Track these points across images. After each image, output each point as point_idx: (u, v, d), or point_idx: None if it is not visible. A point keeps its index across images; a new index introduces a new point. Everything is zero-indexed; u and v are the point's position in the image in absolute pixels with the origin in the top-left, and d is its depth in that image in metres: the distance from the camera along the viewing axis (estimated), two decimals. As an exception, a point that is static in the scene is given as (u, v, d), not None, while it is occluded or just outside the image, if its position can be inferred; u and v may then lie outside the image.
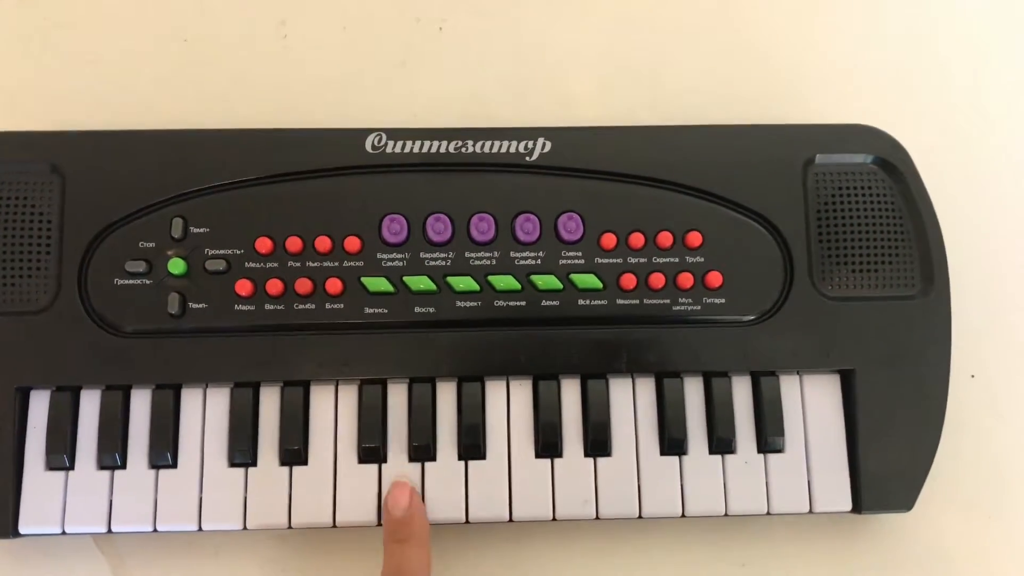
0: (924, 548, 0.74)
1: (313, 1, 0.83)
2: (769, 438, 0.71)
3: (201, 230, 0.71)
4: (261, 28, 0.82)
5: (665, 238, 0.72)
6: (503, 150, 0.73)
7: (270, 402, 0.71)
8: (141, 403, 0.70)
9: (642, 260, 0.72)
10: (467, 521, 0.69)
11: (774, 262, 0.73)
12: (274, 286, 0.70)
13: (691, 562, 0.73)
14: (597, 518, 0.70)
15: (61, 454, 0.69)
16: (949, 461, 0.74)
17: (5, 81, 0.81)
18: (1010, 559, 0.75)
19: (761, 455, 0.71)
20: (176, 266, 0.70)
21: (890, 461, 0.71)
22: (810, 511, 0.70)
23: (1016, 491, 0.76)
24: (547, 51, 0.83)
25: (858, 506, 0.70)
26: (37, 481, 0.69)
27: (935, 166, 0.76)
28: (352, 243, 0.71)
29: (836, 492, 0.71)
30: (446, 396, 0.71)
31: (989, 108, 0.84)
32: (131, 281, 0.70)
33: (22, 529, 0.68)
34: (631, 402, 0.72)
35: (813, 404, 0.72)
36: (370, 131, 0.72)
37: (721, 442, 0.71)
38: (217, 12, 0.82)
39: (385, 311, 0.71)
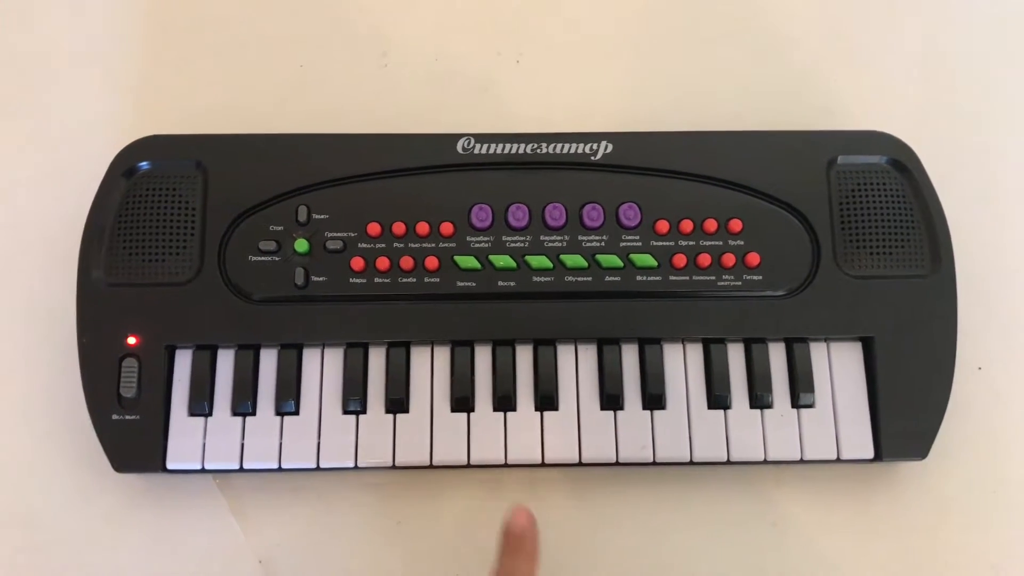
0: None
1: (411, 36, 0.91)
2: (801, 395, 0.77)
3: (322, 216, 0.79)
4: (366, 57, 0.90)
5: (711, 224, 0.79)
6: (572, 151, 0.80)
7: (377, 360, 0.78)
8: (269, 360, 0.78)
9: (691, 243, 0.79)
10: (543, 463, 0.76)
11: (803, 245, 0.79)
12: (382, 263, 0.78)
13: (729, 514, 0.79)
14: (654, 462, 0.76)
15: (202, 402, 0.76)
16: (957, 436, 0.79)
17: (161, 96, 0.89)
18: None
19: (794, 410, 0.77)
20: (301, 246, 0.78)
21: (906, 415, 0.76)
22: (837, 458, 0.76)
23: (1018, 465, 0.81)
24: (604, 77, 0.91)
25: (879, 454, 0.76)
26: (181, 425, 0.76)
27: (942, 164, 0.82)
28: (446, 228, 0.79)
29: (860, 442, 0.76)
30: (524, 357, 0.78)
31: (990, 114, 0.90)
32: (263, 258, 0.78)
33: (169, 465, 0.75)
34: (682, 364, 0.78)
35: (838, 367, 0.78)
36: (461, 135, 0.80)
37: (760, 398, 0.77)
38: (329, 45, 0.91)
39: (473, 285, 0.78)
